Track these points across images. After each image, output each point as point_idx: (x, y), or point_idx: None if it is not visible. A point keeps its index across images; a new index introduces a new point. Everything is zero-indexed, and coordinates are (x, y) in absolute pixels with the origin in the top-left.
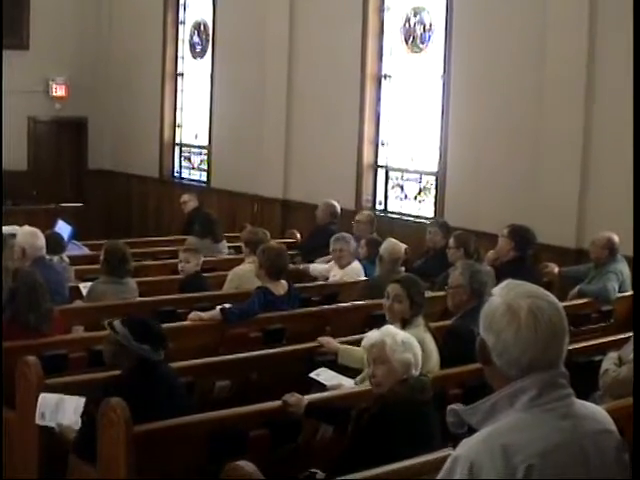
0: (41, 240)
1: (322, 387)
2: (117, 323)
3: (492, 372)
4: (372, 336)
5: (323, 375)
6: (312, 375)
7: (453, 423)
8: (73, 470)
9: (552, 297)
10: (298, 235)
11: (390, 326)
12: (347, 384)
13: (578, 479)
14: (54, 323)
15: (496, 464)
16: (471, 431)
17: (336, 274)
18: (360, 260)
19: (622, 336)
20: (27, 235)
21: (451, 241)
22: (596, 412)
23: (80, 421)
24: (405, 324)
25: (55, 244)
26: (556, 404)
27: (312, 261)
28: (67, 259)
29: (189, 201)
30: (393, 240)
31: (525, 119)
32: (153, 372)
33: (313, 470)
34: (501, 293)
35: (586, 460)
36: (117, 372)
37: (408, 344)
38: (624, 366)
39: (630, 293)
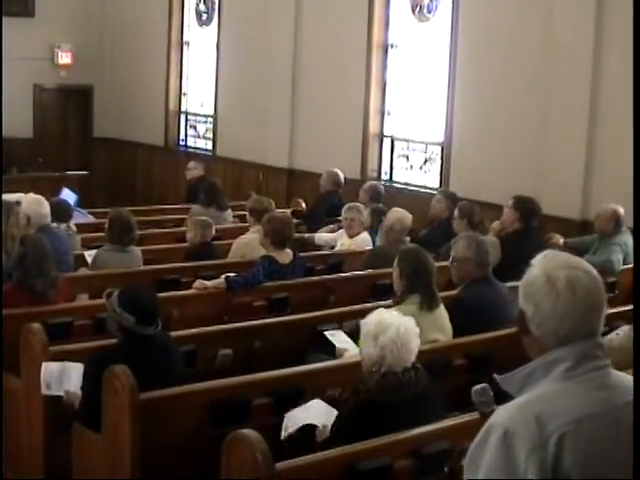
0: (46, 208)
1: (331, 347)
2: (116, 291)
3: (530, 342)
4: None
5: (337, 337)
6: (327, 333)
7: (481, 402)
8: (77, 437)
9: (590, 267)
10: (303, 204)
11: (383, 313)
12: (354, 352)
13: (609, 450)
14: (59, 291)
15: (530, 432)
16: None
17: (344, 243)
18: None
19: (626, 308)
20: (32, 203)
21: (455, 212)
22: (630, 383)
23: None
24: (399, 300)
25: (62, 212)
26: (592, 374)
27: (316, 230)
28: (74, 227)
29: (193, 169)
30: (401, 210)
31: (532, 89)
32: (141, 344)
33: (313, 423)
34: (540, 264)
35: (618, 432)
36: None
37: (383, 341)
38: (620, 334)
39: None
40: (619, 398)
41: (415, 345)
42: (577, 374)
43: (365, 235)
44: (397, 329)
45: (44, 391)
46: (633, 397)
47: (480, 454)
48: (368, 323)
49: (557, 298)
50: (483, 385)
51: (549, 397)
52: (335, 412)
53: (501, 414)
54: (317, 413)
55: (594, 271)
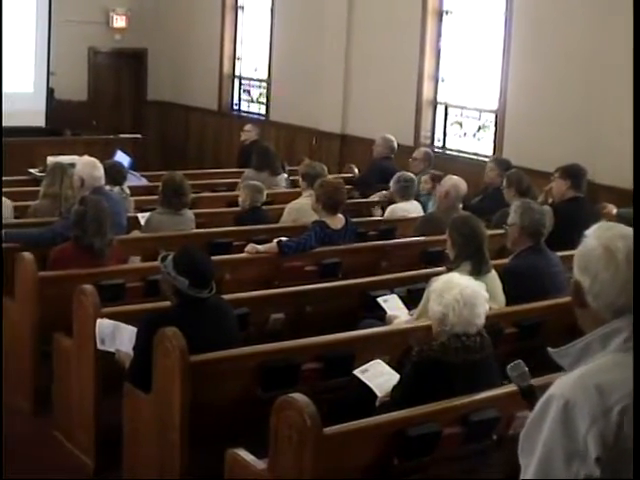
0: (99, 170)
1: (382, 313)
2: (170, 254)
3: (586, 314)
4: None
5: (390, 302)
6: (379, 300)
7: (516, 377)
8: (128, 398)
9: None
10: (356, 170)
11: (454, 274)
12: (405, 319)
13: None
14: (113, 252)
15: (591, 403)
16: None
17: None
18: (421, 195)
19: None
20: (86, 165)
21: (504, 181)
22: None
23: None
24: (451, 267)
25: (116, 174)
26: None
27: (368, 196)
28: (128, 190)
29: (249, 131)
30: (456, 177)
31: (587, 55)
32: (195, 307)
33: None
34: (596, 234)
35: None
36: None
37: (447, 299)
38: None
39: None
40: None
41: (481, 310)
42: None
43: (392, 206)
44: (462, 289)
45: (99, 346)
46: (633, 396)
47: (538, 426)
48: (437, 281)
49: (616, 269)
50: (517, 361)
51: (609, 368)
52: (397, 376)
53: (560, 385)
54: (383, 381)
55: None
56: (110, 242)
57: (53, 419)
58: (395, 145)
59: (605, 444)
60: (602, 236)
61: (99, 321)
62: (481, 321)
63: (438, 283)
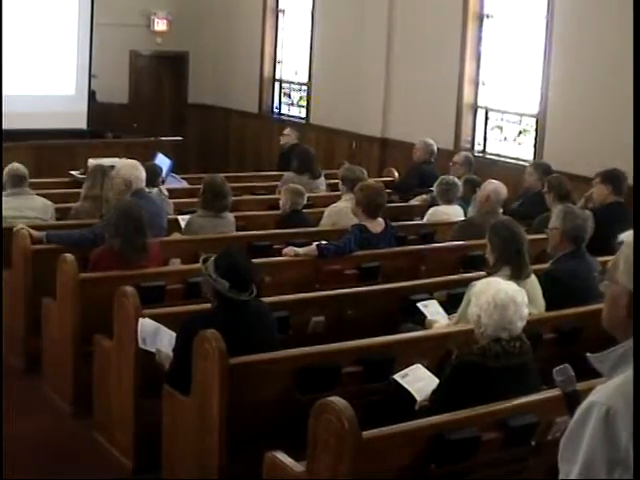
0: (143, 172)
1: (421, 317)
2: (212, 256)
3: (632, 324)
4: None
5: (430, 308)
6: (420, 305)
7: (562, 382)
8: (167, 399)
9: None
10: (396, 174)
11: (495, 278)
12: (445, 323)
13: None
14: (152, 255)
15: (632, 410)
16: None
17: None
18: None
19: None
20: (131, 167)
21: (545, 186)
22: None
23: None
24: (491, 272)
25: (153, 176)
26: None
27: (408, 200)
28: (166, 192)
29: (288, 135)
30: (497, 181)
31: (629, 58)
32: (235, 310)
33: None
34: None
35: None
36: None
37: (481, 301)
38: None
39: None
40: None
41: (516, 315)
42: None
43: (434, 208)
44: (496, 293)
45: (140, 344)
46: (633, 397)
47: (579, 434)
48: (478, 283)
49: None
50: (563, 365)
51: None
52: (436, 380)
53: (601, 392)
54: (422, 385)
55: None
56: (141, 246)
57: (93, 420)
58: (435, 149)
59: None
60: None
61: (141, 320)
62: (516, 326)
63: (478, 285)
